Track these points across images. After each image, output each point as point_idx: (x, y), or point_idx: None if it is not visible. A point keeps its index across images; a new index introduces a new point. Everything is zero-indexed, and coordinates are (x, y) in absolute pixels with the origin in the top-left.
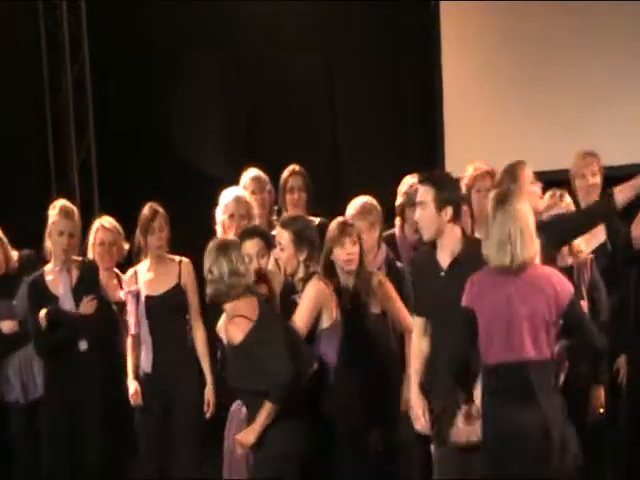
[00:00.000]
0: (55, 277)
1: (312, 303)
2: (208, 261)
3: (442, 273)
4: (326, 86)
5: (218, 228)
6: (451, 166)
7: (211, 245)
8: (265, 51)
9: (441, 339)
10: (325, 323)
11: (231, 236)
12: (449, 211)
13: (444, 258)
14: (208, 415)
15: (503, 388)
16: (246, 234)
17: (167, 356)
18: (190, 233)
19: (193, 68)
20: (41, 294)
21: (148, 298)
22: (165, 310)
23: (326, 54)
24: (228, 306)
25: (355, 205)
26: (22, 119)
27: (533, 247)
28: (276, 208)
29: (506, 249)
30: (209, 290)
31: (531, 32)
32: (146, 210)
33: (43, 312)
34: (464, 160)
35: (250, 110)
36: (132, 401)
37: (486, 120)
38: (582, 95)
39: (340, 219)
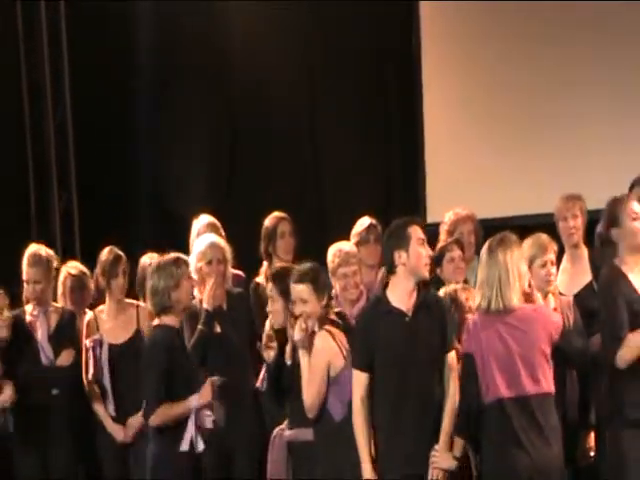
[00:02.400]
0: (33, 319)
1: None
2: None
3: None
4: (308, 124)
5: (194, 275)
6: (433, 211)
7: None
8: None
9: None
10: (332, 373)
11: (211, 283)
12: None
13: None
14: None
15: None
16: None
17: (128, 402)
18: None
19: (177, 112)
20: (20, 332)
21: (111, 346)
22: (127, 357)
23: (309, 86)
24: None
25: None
26: (3, 166)
27: (515, 290)
28: None
29: (489, 292)
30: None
31: (518, 74)
32: (108, 254)
33: None
34: (446, 205)
35: (232, 153)
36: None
37: (468, 165)
38: (569, 136)
39: None
